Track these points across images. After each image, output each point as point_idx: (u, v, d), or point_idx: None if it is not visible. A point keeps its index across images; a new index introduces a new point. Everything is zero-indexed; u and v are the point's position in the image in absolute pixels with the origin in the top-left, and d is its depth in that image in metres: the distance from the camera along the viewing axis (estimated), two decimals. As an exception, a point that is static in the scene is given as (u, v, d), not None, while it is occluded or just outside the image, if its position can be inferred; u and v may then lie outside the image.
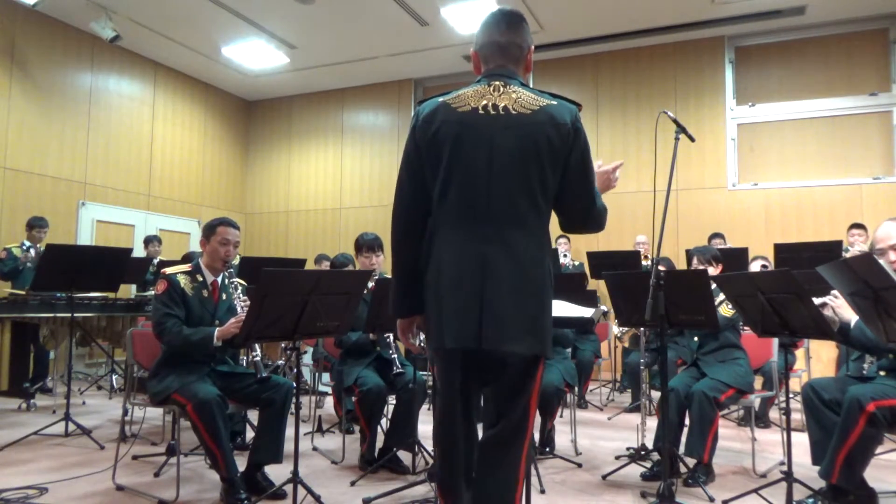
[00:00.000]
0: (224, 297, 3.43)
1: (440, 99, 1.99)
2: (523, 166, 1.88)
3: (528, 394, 1.96)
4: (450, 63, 8.92)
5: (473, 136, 1.90)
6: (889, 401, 2.72)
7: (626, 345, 6.19)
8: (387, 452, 3.70)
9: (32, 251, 6.22)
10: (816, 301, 2.74)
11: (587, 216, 2.01)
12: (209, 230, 3.41)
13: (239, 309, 3.33)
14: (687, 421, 3.57)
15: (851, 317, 2.90)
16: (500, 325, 1.86)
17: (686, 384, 3.61)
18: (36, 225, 6.30)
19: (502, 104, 1.92)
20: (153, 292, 3.39)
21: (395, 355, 3.83)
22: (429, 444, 3.39)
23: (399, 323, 2.12)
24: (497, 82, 1.96)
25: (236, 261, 6.45)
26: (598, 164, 2.17)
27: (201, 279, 3.37)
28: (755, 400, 3.82)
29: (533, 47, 2.07)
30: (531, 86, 2.05)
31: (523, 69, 2.05)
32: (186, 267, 3.40)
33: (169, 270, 3.35)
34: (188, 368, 3.17)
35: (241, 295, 3.42)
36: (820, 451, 2.90)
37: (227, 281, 3.47)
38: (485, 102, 1.93)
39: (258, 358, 3.26)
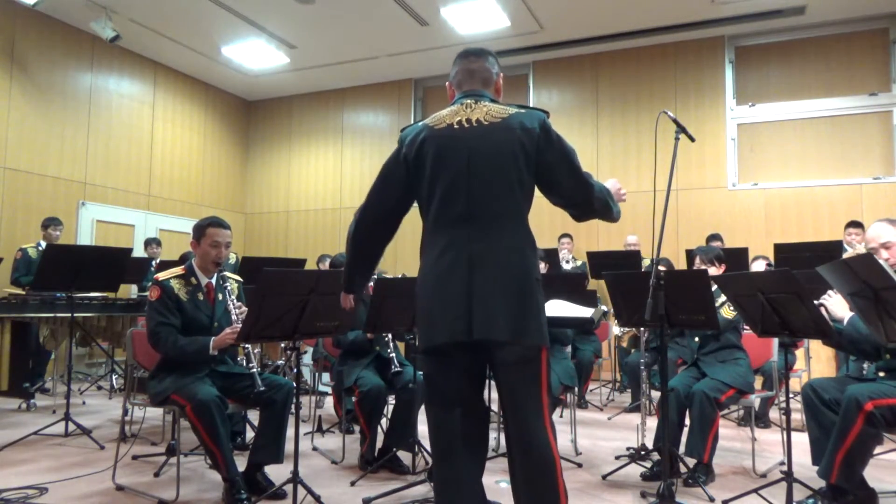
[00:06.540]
0: (220, 297, 3.38)
1: (421, 122, 2.20)
2: (500, 169, 2.05)
3: (536, 385, 2.01)
4: (450, 63, 8.79)
5: (451, 147, 2.09)
6: (887, 400, 2.71)
7: (625, 345, 6.19)
8: (387, 452, 3.70)
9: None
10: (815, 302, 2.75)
11: (590, 201, 2.12)
12: (199, 231, 3.33)
13: (234, 317, 3.26)
14: (687, 421, 3.57)
15: (845, 314, 2.90)
16: (489, 315, 1.97)
17: (686, 384, 3.61)
18: (50, 224, 6.35)
19: (475, 117, 2.11)
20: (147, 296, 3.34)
21: (394, 354, 3.84)
22: (429, 444, 3.39)
23: (342, 295, 2.43)
24: (468, 100, 2.16)
25: (232, 260, 6.49)
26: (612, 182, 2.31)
27: (195, 282, 3.32)
28: (755, 400, 3.82)
29: (502, 75, 2.29)
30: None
31: (493, 91, 2.24)
32: (180, 270, 3.33)
33: (162, 276, 3.27)
34: (188, 369, 3.17)
35: (235, 300, 3.35)
36: (820, 451, 2.89)
37: (220, 280, 3.41)
38: (459, 118, 2.12)
39: (255, 369, 3.15)
